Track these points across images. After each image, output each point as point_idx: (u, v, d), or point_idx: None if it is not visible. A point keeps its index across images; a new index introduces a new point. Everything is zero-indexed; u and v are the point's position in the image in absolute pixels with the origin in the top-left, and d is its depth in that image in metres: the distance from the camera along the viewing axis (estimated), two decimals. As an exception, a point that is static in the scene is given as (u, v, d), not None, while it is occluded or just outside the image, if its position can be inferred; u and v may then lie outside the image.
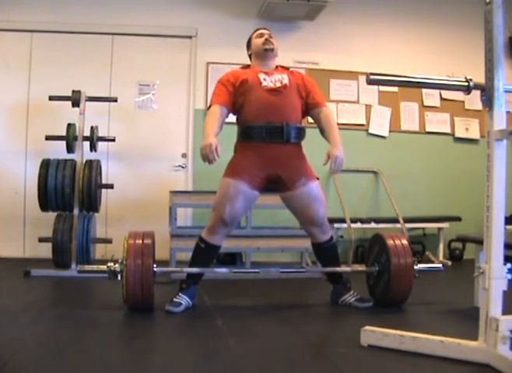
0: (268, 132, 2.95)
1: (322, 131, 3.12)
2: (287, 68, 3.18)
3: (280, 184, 3.02)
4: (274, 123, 2.95)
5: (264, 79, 3.02)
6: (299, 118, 3.08)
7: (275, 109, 2.97)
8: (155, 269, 2.84)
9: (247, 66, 3.18)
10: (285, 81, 3.04)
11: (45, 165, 4.09)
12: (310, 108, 3.12)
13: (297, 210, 3.06)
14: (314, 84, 3.18)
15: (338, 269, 3.15)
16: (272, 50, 3.09)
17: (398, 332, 2.21)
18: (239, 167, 2.98)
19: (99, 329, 2.55)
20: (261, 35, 3.13)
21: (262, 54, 3.10)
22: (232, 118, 3.14)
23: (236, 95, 3.01)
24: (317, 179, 3.10)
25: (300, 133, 3.05)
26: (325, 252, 3.14)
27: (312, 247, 3.18)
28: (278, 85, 3.01)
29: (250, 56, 3.22)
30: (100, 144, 4.46)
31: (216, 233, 2.97)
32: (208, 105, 3.08)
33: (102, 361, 2.04)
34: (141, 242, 2.87)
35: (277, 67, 3.15)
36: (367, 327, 2.27)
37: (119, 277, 2.81)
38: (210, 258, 3.07)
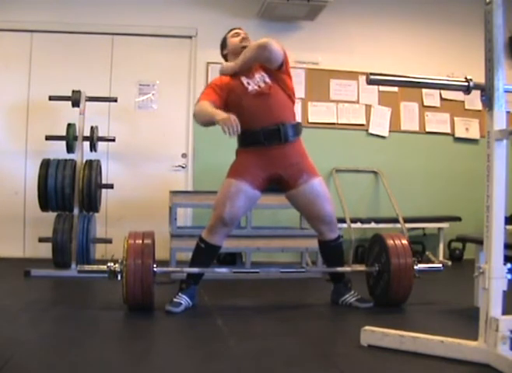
0: (265, 136, 2.95)
1: None
2: None
3: (282, 184, 3.02)
4: (270, 127, 2.95)
5: (248, 83, 3.01)
6: (292, 115, 3.07)
7: (267, 112, 2.96)
8: (155, 269, 2.84)
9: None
10: (268, 79, 3.01)
11: (45, 165, 4.09)
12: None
13: (303, 207, 3.07)
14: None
15: (338, 269, 3.15)
16: None
17: (398, 332, 2.21)
18: (240, 168, 2.99)
19: (99, 329, 2.55)
20: (237, 34, 3.14)
21: (240, 53, 3.06)
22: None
23: (226, 101, 3.01)
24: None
25: (297, 129, 3.04)
26: (331, 251, 3.13)
27: (318, 245, 3.17)
28: (263, 85, 2.99)
29: (225, 56, 3.20)
30: (100, 144, 4.46)
31: (216, 233, 2.97)
32: (199, 100, 3.08)
33: (102, 361, 2.04)
34: (141, 242, 2.87)
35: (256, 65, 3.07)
36: (367, 327, 2.27)
37: (119, 277, 2.81)
38: (210, 258, 3.07)
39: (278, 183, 3.03)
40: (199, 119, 3.00)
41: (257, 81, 3.01)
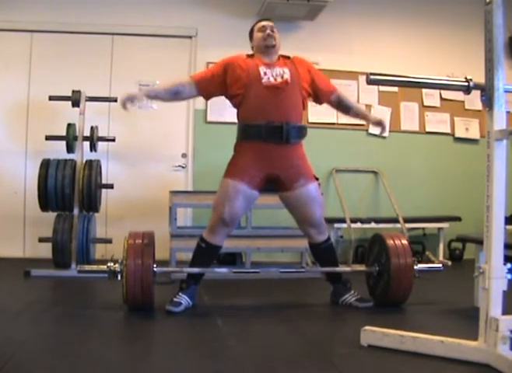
0: (267, 132, 2.91)
1: (347, 111, 3.24)
2: (288, 57, 3.11)
3: (279, 184, 3.01)
4: (273, 123, 2.91)
5: (265, 73, 2.95)
6: (300, 116, 3.03)
7: (274, 107, 2.92)
8: (155, 269, 2.84)
9: (252, 55, 3.11)
10: (287, 75, 2.97)
11: (45, 165, 4.09)
12: (323, 98, 3.16)
13: (294, 210, 3.06)
14: (317, 71, 3.18)
15: (337, 269, 3.15)
16: (274, 46, 3.04)
17: (398, 332, 2.21)
18: (238, 167, 2.97)
19: (99, 329, 2.55)
20: (263, 29, 3.07)
21: (263, 50, 3.06)
22: (232, 118, 3.14)
23: (228, 85, 3.00)
24: (317, 179, 3.09)
25: (301, 132, 3.02)
26: (323, 253, 3.14)
27: (309, 248, 3.18)
28: (279, 80, 2.95)
29: (252, 48, 3.16)
30: (100, 144, 4.46)
31: (217, 233, 2.97)
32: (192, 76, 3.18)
33: (102, 361, 2.04)
34: (141, 242, 2.87)
35: (279, 57, 3.08)
36: (367, 327, 2.27)
37: (119, 277, 2.81)
38: (211, 258, 3.07)
39: (274, 183, 3.01)
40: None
41: (275, 74, 2.97)
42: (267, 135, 2.92)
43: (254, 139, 2.95)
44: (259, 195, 3.03)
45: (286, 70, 3.00)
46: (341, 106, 3.22)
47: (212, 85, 3.04)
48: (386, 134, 3.03)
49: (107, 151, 4.83)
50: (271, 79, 2.95)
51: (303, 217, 3.04)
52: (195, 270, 3.01)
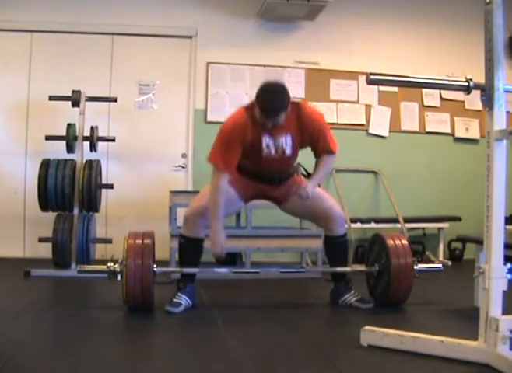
0: (262, 180, 3.00)
1: (315, 164, 3.04)
2: (298, 106, 2.87)
3: (275, 201, 3.11)
4: (268, 176, 2.99)
5: (267, 146, 2.87)
6: (293, 164, 3.11)
7: (271, 169, 2.96)
8: (155, 269, 2.84)
9: (251, 108, 2.83)
10: (289, 149, 2.89)
11: (45, 165, 4.09)
12: (319, 152, 2.99)
13: (304, 213, 3.15)
14: (325, 132, 2.94)
15: (337, 268, 3.15)
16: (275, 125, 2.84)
17: (398, 332, 2.21)
18: (233, 178, 2.99)
19: (99, 329, 2.55)
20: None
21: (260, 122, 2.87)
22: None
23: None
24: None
25: (292, 173, 3.10)
26: (338, 248, 3.15)
27: (324, 242, 3.20)
28: (280, 152, 2.90)
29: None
30: (100, 144, 4.46)
31: (191, 223, 2.95)
32: (215, 163, 2.87)
33: (102, 361, 2.04)
34: (141, 242, 2.87)
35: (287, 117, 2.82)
36: (367, 327, 2.27)
37: (119, 277, 2.81)
38: (195, 252, 3.02)
39: (271, 200, 3.12)
40: (209, 204, 2.90)
41: (276, 144, 2.88)
42: (261, 181, 3.00)
43: (249, 178, 3.01)
44: (242, 207, 3.11)
45: (289, 139, 2.88)
46: (317, 161, 3.04)
47: (238, 154, 2.88)
48: (308, 195, 2.88)
49: (107, 151, 4.83)
50: (272, 152, 2.89)
51: (316, 213, 3.08)
52: (195, 270, 3.01)
